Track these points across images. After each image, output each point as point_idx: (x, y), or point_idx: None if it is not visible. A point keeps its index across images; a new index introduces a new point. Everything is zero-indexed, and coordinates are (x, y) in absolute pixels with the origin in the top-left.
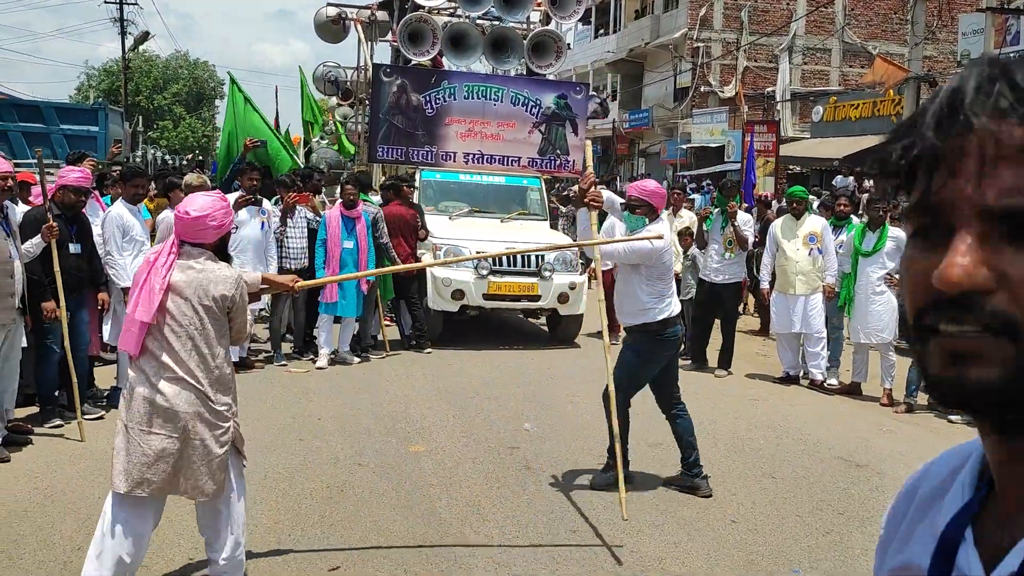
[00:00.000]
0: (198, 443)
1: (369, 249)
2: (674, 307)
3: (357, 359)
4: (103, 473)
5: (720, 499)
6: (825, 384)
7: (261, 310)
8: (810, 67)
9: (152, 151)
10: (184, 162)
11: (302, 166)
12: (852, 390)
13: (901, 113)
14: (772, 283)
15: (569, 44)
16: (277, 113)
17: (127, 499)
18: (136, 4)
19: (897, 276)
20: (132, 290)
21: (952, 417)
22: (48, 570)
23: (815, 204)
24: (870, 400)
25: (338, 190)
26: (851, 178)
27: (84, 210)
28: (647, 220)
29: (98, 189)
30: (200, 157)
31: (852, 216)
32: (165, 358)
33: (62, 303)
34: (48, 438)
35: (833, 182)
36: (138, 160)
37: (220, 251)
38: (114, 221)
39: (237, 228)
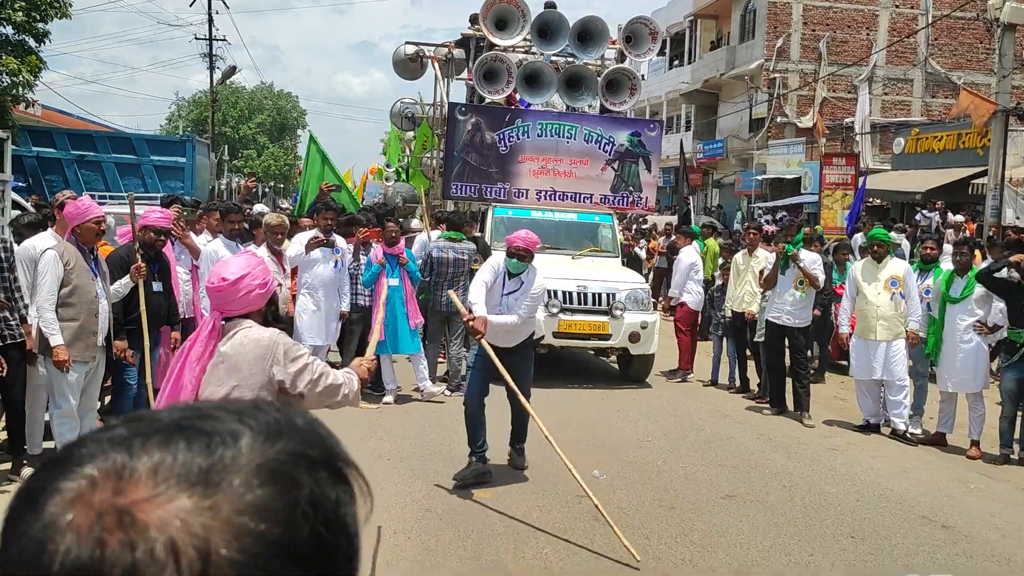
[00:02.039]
0: None
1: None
2: None
3: (438, 389)
4: None
5: (798, 560)
6: (907, 434)
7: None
8: (891, 97)
9: (237, 179)
10: (267, 189)
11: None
12: (936, 440)
13: (988, 146)
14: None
15: (643, 75)
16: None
17: None
18: (224, 40)
19: (987, 323)
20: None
21: None
22: None
23: (903, 244)
24: (955, 451)
25: (415, 222)
26: (935, 213)
27: (166, 248)
28: (529, 263)
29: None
30: (281, 186)
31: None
32: None
33: (147, 341)
34: None
35: (916, 217)
36: (223, 188)
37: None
38: (210, 257)
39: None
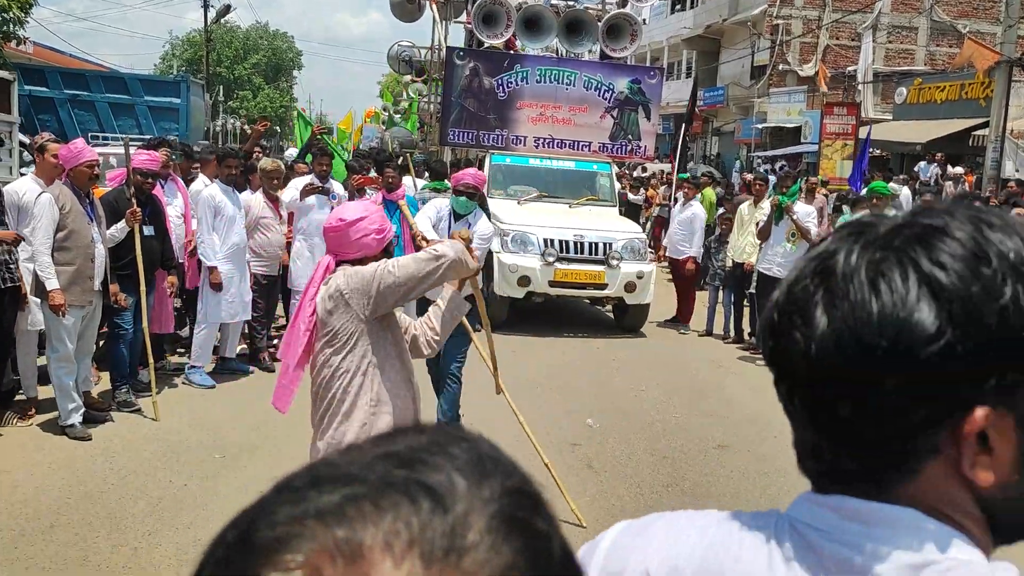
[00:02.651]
0: None
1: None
2: None
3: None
4: (175, 456)
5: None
6: None
7: None
8: (895, 46)
9: (232, 121)
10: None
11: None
12: None
13: (990, 97)
14: None
15: (645, 20)
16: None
17: None
18: None
19: None
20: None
21: None
22: (119, 555)
23: (903, 192)
24: None
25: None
26: (935, 164)
27: (157, 191)
28: (476, 203)
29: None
30: (277, 128)
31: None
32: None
33: (142, 285)
34: (125, 417)
35: (916, 168)
36: (218, 130)
37: None
38: (207, 202)
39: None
